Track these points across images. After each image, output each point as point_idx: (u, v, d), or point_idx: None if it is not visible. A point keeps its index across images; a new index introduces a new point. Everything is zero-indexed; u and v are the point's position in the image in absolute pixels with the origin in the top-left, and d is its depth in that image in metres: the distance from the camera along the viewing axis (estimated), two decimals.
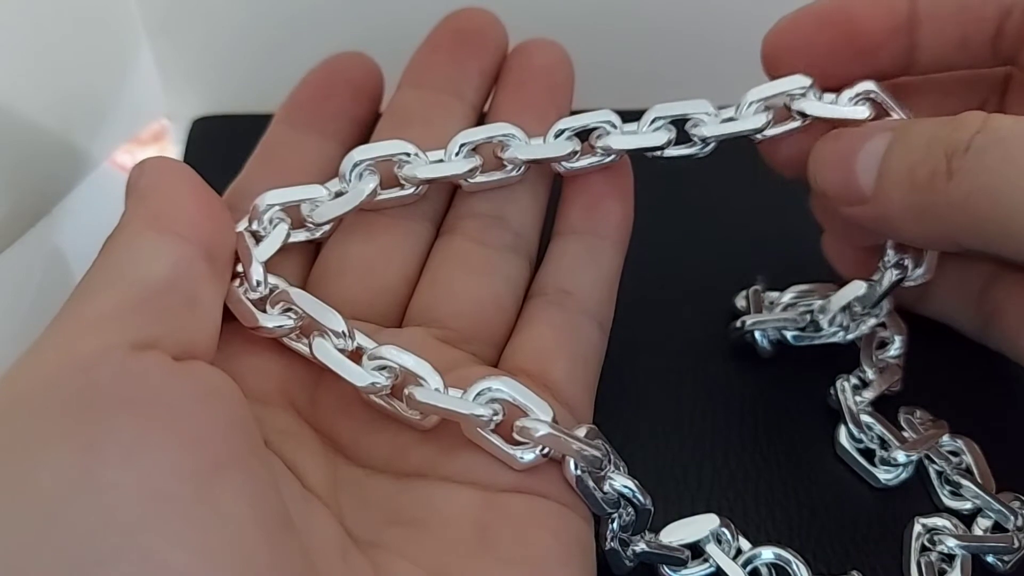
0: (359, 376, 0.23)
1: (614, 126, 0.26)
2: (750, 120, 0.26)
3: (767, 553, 0.24)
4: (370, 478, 0.23)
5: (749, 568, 0.24)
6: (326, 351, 0.23)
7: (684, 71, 0.35)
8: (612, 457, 0.23)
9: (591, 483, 0.22)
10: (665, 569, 0.24)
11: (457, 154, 0.26)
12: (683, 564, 0.24)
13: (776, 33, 0.27)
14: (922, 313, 0.29)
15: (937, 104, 0.27)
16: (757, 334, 0.29)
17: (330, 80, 0.29)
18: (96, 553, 0.16)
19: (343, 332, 0.23)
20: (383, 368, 0.23)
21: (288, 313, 0.23)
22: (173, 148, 0.38)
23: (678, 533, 0.24)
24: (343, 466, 0.23)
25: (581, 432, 0.23)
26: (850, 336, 0.28)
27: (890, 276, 0.26)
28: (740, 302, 0.30)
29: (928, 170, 0.23)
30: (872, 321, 0.28)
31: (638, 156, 0.26)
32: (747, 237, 0.32)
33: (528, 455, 0.22)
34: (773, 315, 0.29)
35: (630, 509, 0.23)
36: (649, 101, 0.26)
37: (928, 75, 0.27)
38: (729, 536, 0.24)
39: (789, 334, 0.29)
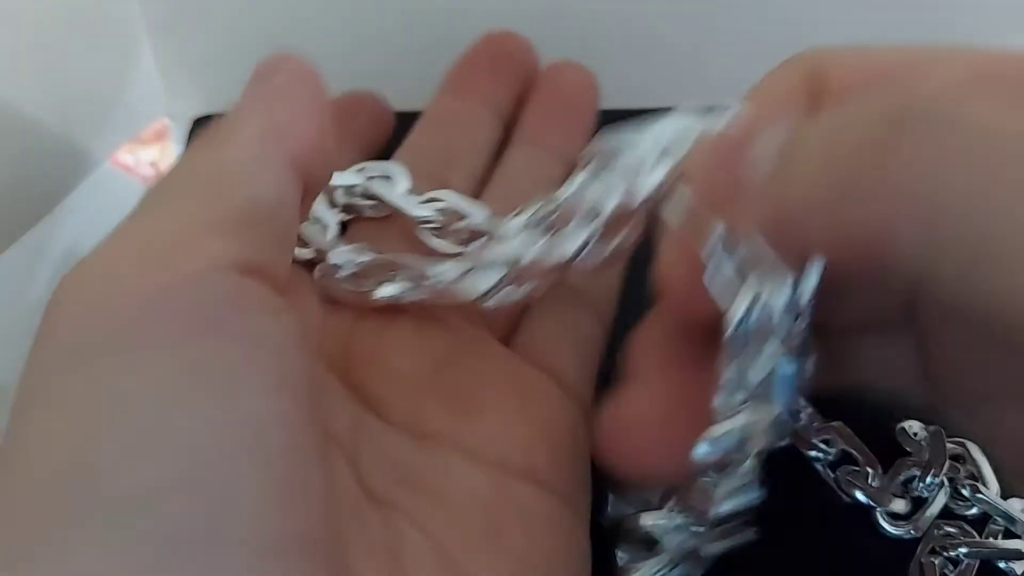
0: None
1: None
2: None
3: None
4: (390, 435, 0.22)
5: None
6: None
7: (681, 72, 0.35)
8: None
9: None
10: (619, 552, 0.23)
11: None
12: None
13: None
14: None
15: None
16: None
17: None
18: (168, 481, 0.15)
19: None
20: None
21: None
22: (174, 147, 0.38)
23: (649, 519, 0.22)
24: (367, 419, 0.22)
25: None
26: None
27: None
28: None
29: (860, 140, 0.16)
30: None
31: None
32: None
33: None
34: None
35: None
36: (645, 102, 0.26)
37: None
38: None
39: None
